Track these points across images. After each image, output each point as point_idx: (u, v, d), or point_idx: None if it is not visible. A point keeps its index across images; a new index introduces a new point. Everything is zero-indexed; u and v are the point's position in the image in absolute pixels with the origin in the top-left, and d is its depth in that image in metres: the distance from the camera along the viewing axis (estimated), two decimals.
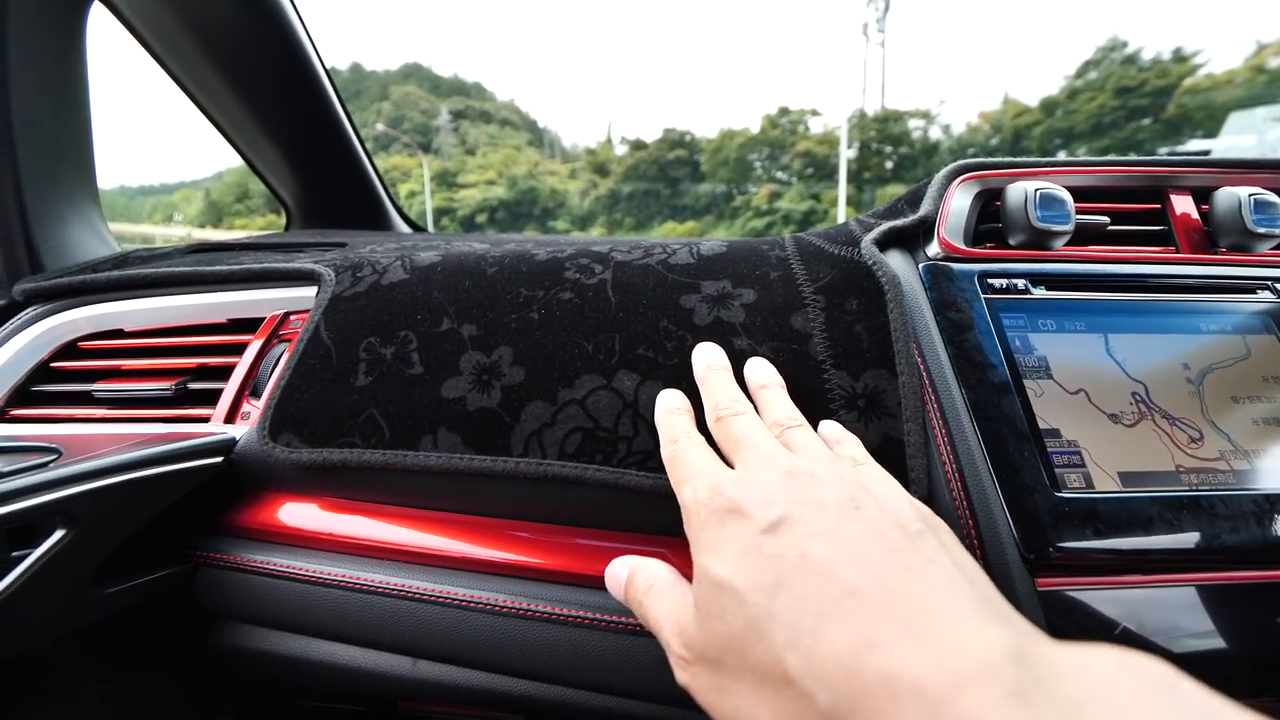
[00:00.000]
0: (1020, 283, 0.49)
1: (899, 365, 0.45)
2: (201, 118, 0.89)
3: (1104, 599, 0.38)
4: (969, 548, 0.39)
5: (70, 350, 0.56)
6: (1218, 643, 0.38)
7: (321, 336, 0.50)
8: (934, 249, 0.51)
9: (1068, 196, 0.50)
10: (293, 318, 0.56)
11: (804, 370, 0.46)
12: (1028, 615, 0.37)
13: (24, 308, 0.56)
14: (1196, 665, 0.37)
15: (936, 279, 0.49)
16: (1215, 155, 0.57)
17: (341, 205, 1.06)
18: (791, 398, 0.45)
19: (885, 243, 0.53)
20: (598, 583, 0.44)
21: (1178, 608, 0.38)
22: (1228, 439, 0.44)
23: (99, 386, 0.52)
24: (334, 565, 0.46)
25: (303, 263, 0.56)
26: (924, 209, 0.52)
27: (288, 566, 0.47)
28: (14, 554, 0.42)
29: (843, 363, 0.46)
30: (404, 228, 1.18)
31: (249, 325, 0.55)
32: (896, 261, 0.51)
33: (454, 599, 0.45)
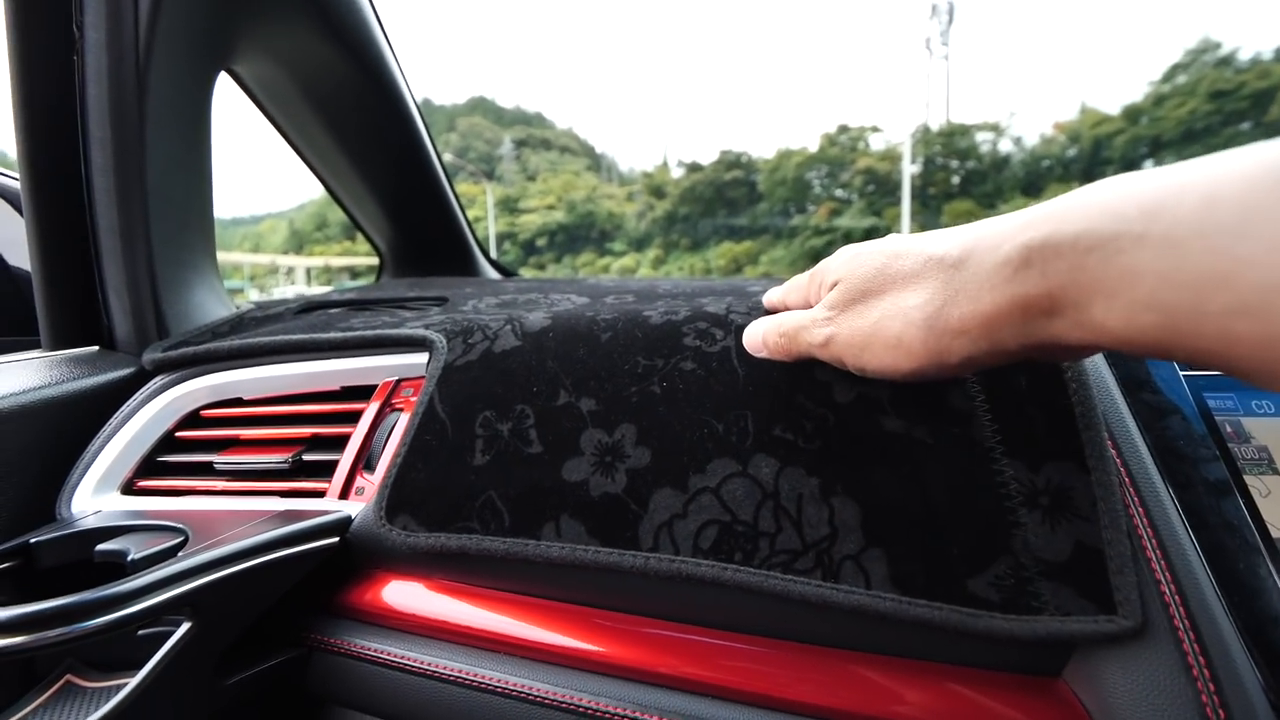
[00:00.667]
0: None
1: (1089, 457, 0.38)
2: (286, 152, 0.92)
3: None
4: (1203, 694, 0.32)
5: (193, 419, 0.56)
6: None
7: (436, 410, 0.49)
8: None
9: None
10: (404, 385, 0.54)
11: (969, 458, 0.40)
12: None
13: (152, 377, 0.57)
14: None
15: (1123, 355, 0.43)
16: None
17: (433, 253, 1.08)
18: (959, 490, 0.39)
19: None
20: (737, 695, 0.40)
21: None
22: None
23: (219, 458, 0.52)
24: (449, 658, 0.44)
25: (414, 328, 0.55)
26: None
27: (400, 656, 0.44)
28: (140, 633, 0.41)
29: (1017, 451, 0.40)
30: (491, 271, 1.18)
31: (362, 392, 0.55)
32: None
33: (576, 705, 0.41)
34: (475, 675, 0.43)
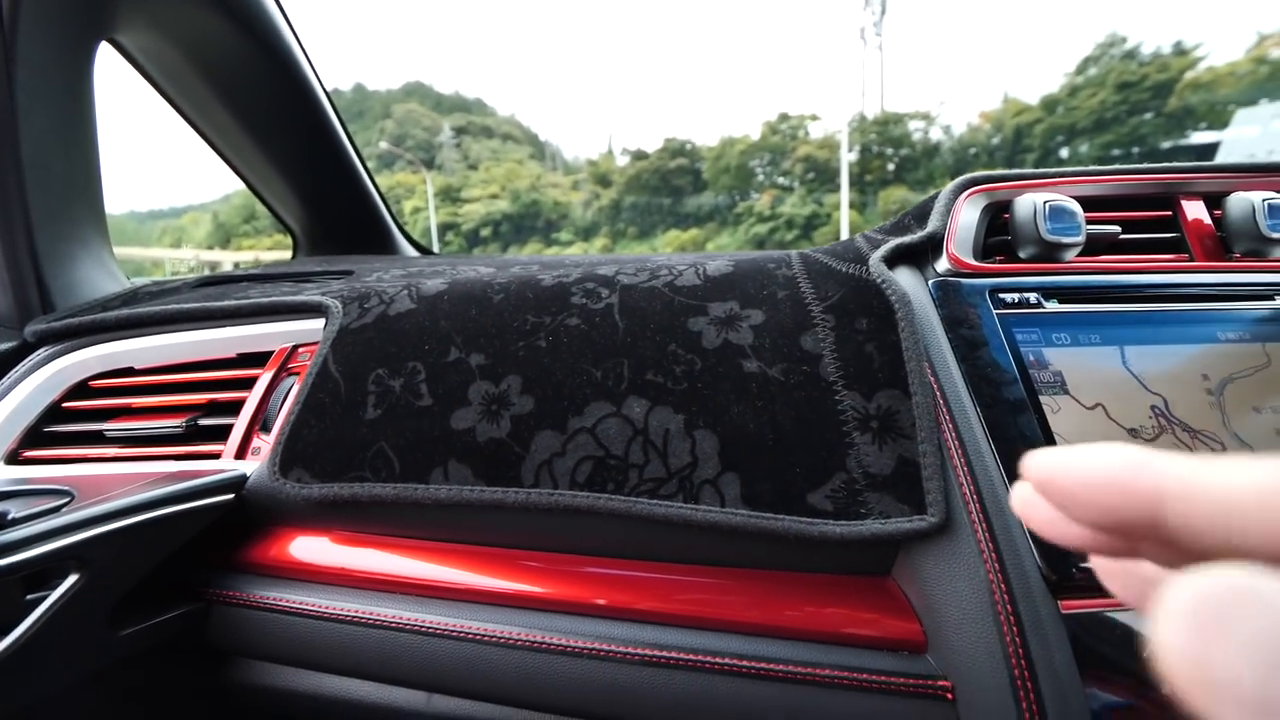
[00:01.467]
0: (1032, 296, 0.49)
1: (912, 385, 0.44)
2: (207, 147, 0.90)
3: (1129, 620, 0.37)
4: (990, 572, 0.38)
5: (81, 390, 0.56)
6: None
7: (330, 370, 0.50)
8: (943, 265, 0.50)
9: (1077, 208, 0.50)
10: (301, 350, 0.56)
11: (816, 391, 0.45)
12: (1053, 639, 0.36)
13: (35, 349, 0.56)
14: None
15: (947, 295, 0.48)
16: (1222, 158, 0.56)
17: (348, 231, 1.07)
18: (804, 420, 0.44)
19: (893, 260, 0.52)
20: (612, 613, 0.44)
21: None
22: (1251, 450, 0.43)
23: (110, 426, 0.52)
24: (346, 600, 0.46)
25: (310, 295, 0.56)
26: (932, 224, 0.52)
27: (300, 603, 0.46)
28: (28, 598, 0.42)
29: (855, 384, 0.45)
30: (410, 250, 1.18)
31: (258, 359, 0.55)
32: (905, 278, 0.51)
33: (469, 633, 0.44)
34: (371, 614, 0.45)
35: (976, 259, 0.51)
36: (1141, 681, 0.36)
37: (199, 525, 0.46)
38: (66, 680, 0.41)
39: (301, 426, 0.48)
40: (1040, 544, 0.38)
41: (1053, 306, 0.49)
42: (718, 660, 0.41)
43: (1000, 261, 0.52)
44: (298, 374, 0.54)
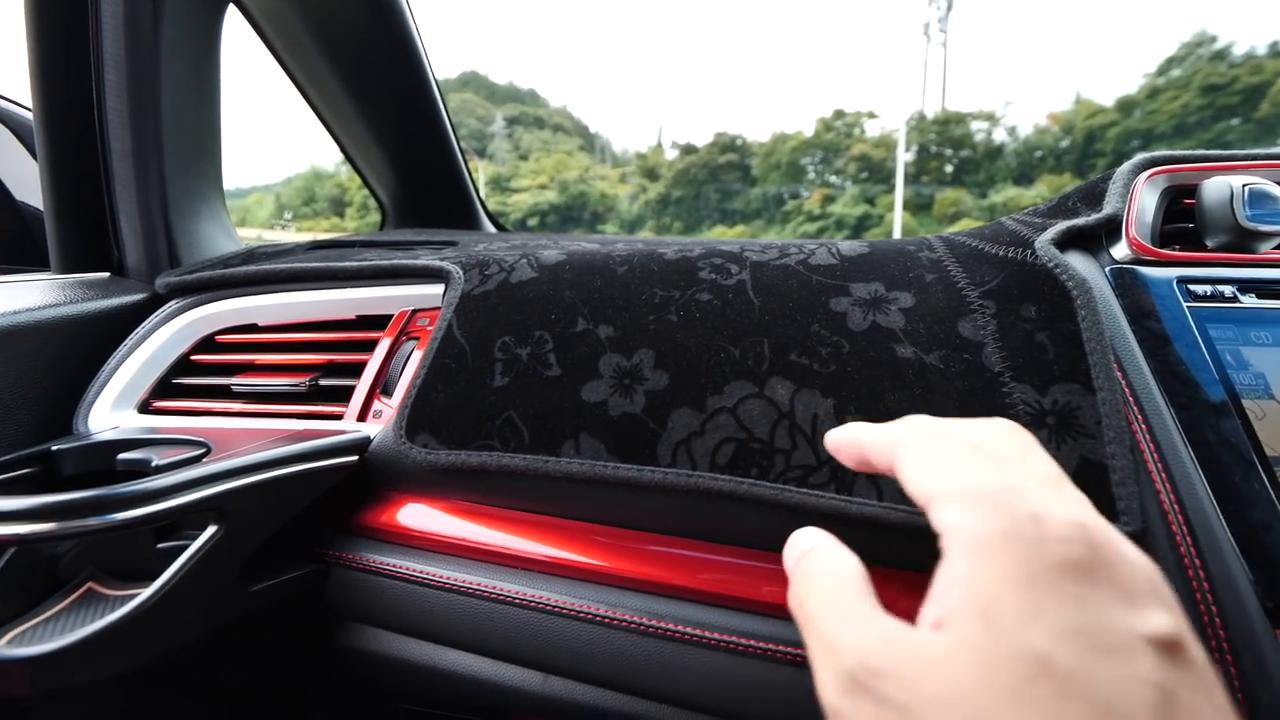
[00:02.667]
0: (1227, 289, 0.44)
1: (1096, 379, 0.40)
2: (272, 124, 0.91)
3: None
4: (1198, 594, 0.34)
5: (208, 344, 0.56)
6: None
7: (455, 335, 0.49)
8: (1122, 250, 0.46)
9: None
10: (420, 315, 0.55)
11: (980, 382, 0.41)
12: (1274, 672, 0.32)
13: (165, 301, 0.57)
14: None
15: (1128, 284, 0.44)
16: None
17: (435, 204, 1.07)
18: (969, 411, 0.40)
19: (1063, 244, 0.48)
20: (751, 606, 0.41)
21: None
22: None
23: (237, 381, 0.53)
24: (468, 573, 0.45)
25: (430, 259, 0.55)
26: (1110, 206, 0.47)
27: (420, 571, 0.45)
28: (159, 547, 0.42)
29: (1025, 375, 0.41)
30: (491, 228, 1.18)
31: (377, 322, 0.55)
32: (1078, 264, 0.46)
33: (594, 615, 0.42)
34: (493, 588, 0.44)
35: (1156, 246, 0.47)
36: None
37: (327, 484, 0.45)
38: (200, 631, 0.41)
39: (428, 390, 0.47)
40: (1257, 564, 0.34)
41: (1250, 301, 0.43)
42: None
43: (1179, 250, 0.47)
44: (418, 338, 0.54)
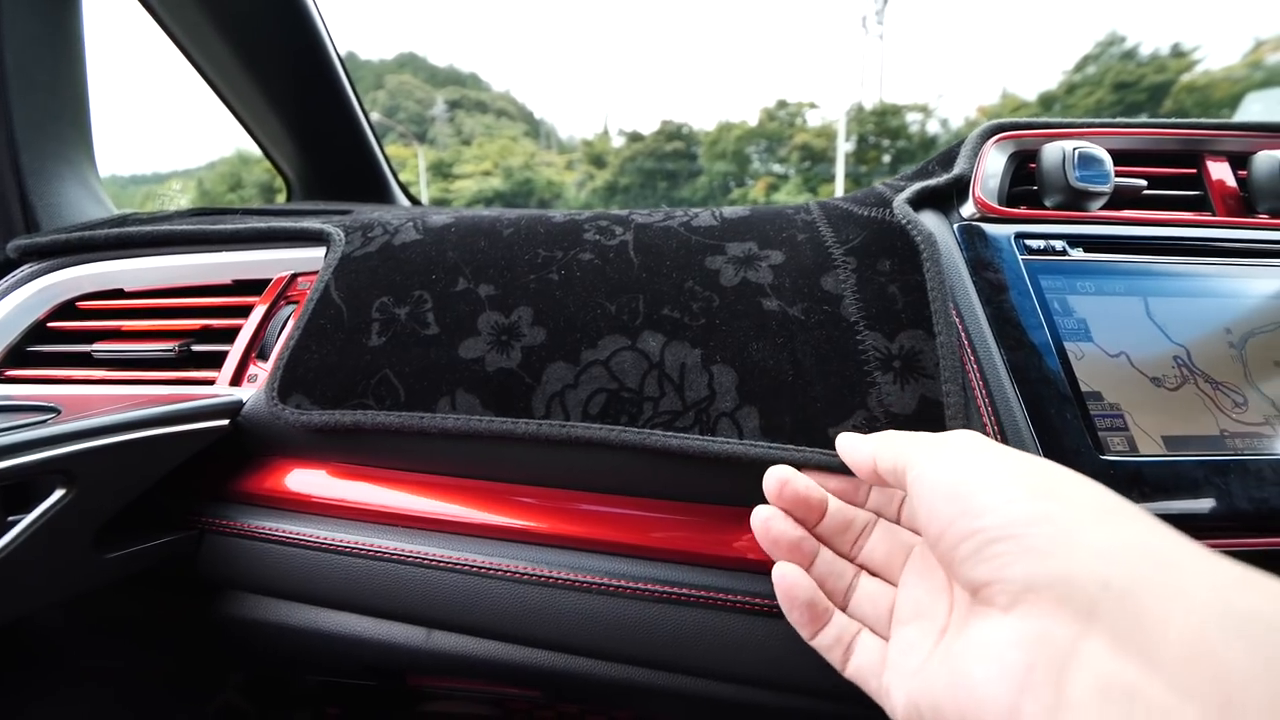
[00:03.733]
0: (1058, 244, 0.48)
1: (936, 325, 0.43)
2: (195, 106, 0.86)
3: None
4: None
5: (68, 310, 0.53)
6: None
7: (332, 296, 0.48)
8: (969, 209, 0.49)
9: (1107, 156, 0.49)
10: (300, 280, 0.54)
11: (837, 331, 0.44)
12: None
13: (18, 265, 0.53)
14: None
15: (972, 239, 0.47)
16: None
17: (344, 180, 1.04)
18: (825, 357, 0.43)
19: (917, 203, 0.51)
20: (620, 549, 0.43)
21: None
22: (1273, 404, 0.42)
23: (98, 347, 0.50)
24: (345, 532, 0.45)
25: (310, 223, 0.54)
26: (958, 168, 0.50)
27: (297, 533, 0.45)
28: (9, 518, 0.40)
29: (877, 324, 0.44)
30: (405, 202, 1.15)
31: (255, 287, 0.53)
32: (930, 222, 0.50)
33: (472, 566, 0.43)
34: (371, 546, 0.44)
35: (1001, 205, 0.50)
36: None
37: (192, 449, 0.44)
38: (49, 598, 0.39)
39: (302, 351, 0.46)
40: None
41: (1078, 255, 0.48)
42: (727, 597, 0.40)
43: (1024, 209, 0.51)
44: (296, 303, 0.52)
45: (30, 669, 0.52)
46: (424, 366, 0.45)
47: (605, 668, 0.45)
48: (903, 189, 0.53)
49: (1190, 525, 0.37)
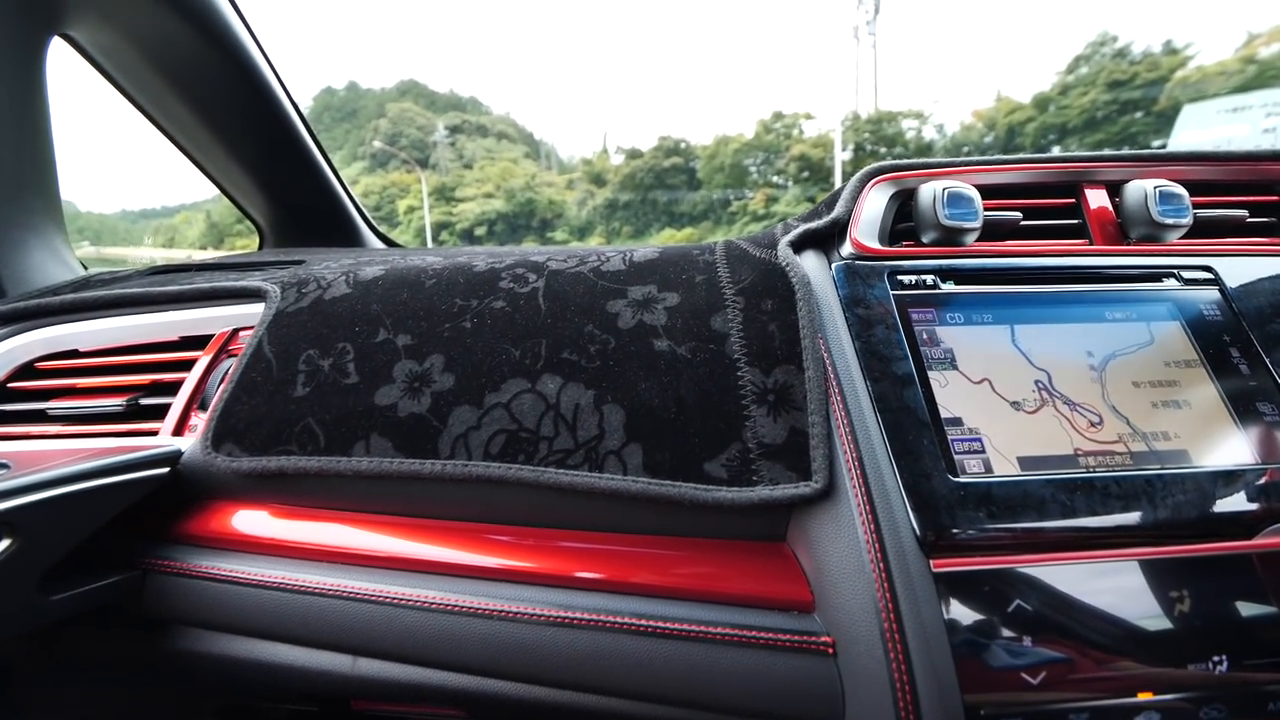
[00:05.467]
0: (929, 278, 0.51)
1: (805, 361, 0.47)
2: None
3: (998, 577, 0.40)
4: (866, 534, 0.41)
5: (28, 370, 0.58)
6: (1108, 618, 0.39)
7: (264, 350, 0.53)
8: (847, 249, 0.53)
9: (975, 194, 0.52)
10: (242, 333, 0.58)
11: (720, 368, 0.48)
12: (921, 595, 0.39)
13: None
14: (1084, 640, 0.38)
15: (848, 277, 0.51)
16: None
17: (313, 224, 1.09)
18: (707, 394, 0.47)
19: (802, 244, 0.55)
20: (522, 577, 0.46)
21: (1070, 585, 0.40)
22: (1126, 422, 0.46)
23: (52, 405, 0.54)
24: (272, 568, 0.48)
25: (251, 281, 0.58)
26: (836, 211, 0.54)
27: (229, 571, 0.49)
28: None
29: (756, 360, 0.48)
30: (376, 243, 1.20)
31: (199, 342, 0.58)
32: (811, 262, 0.53)
33: (385, 597, 0.46)
34: (295, 581, 0.48)
35: (883, 244, 0.54)
36: (1005, 632, 0.39)
37: (133, 497, 0.48)
38: None
39: (234, 403, 0.50)
40: (917, 507, 0.41)
41: (949, 288, 0.51)
42: (619, 620, 0.43)
43: (907, 246, 0.54)
44: (237, 356, 0.57)
45: (3, 703, 0.56)
46: (342, 414, 0.49)
47: (517, 688, 0.48)
48: (795, 228, 0.57)
49: (1036, 541, 0.40)
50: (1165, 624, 0.39)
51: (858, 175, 0.56)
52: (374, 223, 1.18)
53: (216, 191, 1.02)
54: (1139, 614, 0.39)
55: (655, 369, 0.48)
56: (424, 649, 0.46)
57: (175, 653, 0.53)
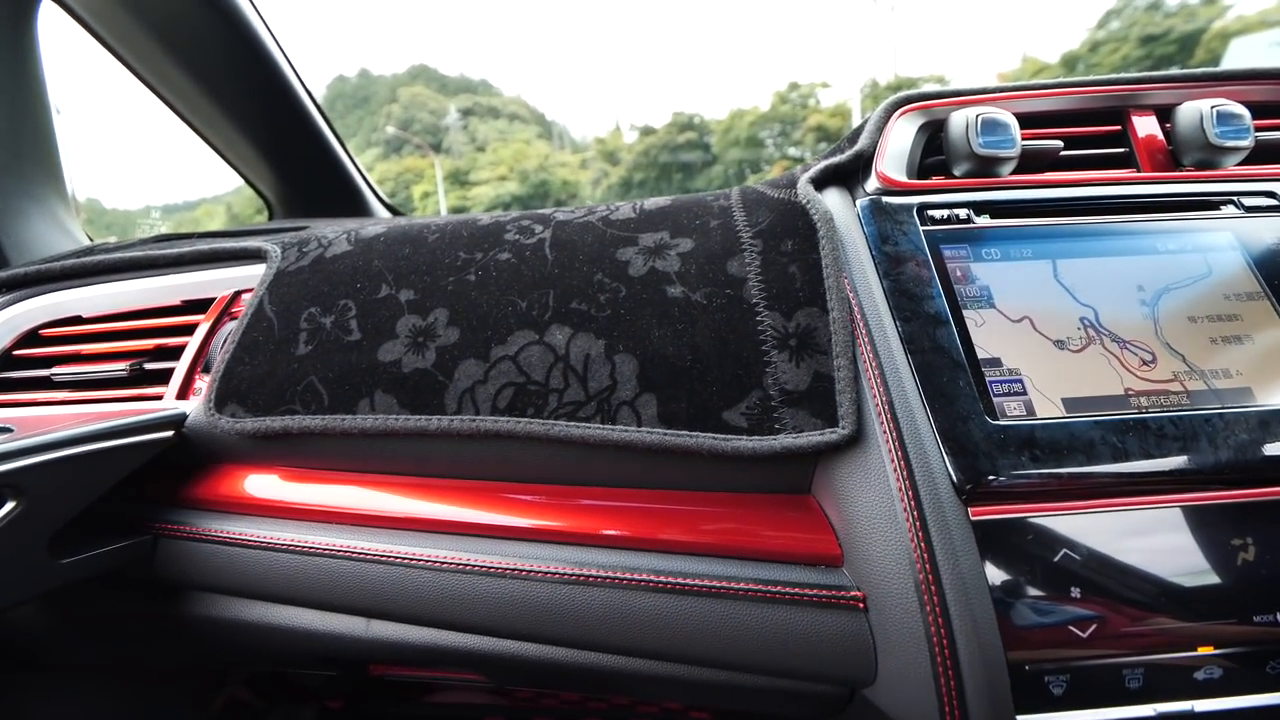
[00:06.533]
0: (963, 212, 0.48)
1: (829, 301, 0.44)
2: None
3: (1042, 526, 0.37)
4: (899, 482, 0.38)
5: (33, 339, 0.57)
6: (1164, 569, 0.36)
7: (265, 310, 0.51)
8: (872, 184, 0.49)
9: (1012, 120, 0.48)
10: (244, 296, 0.56)
11: (738, 314, 0.45)
12: (959, 545, 0.36)
13: None
14: (1137, 592, 0.35)
15: (874, 214, 0.48)
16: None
17: (321, 196, 1.07)
18: (724, 340, 0.44)
19: (823, 181, 0.51)
20: (536, 535, 0.44)
21: (1121, 533, 0.37)
22: (1183, 359, 0.42)
23: (57, 371, 0.54)
24: (282, 530, 0.47)
25: (251, 241, 0.57)
26: (860, 144, 0.51)
27: (240, 534, 0.48)
28: None
29: (776, 304, 0.45)
30: (383, 212, 1.18)
31: (202, 306, 0.56)
32: (833, 199, 0.50)
33: (400, 558, 0.45)
34: (305, 543, 0.47)
35: (911, 177, 0.50)
36: (1051, 584, 0.36)
37: (138, 460, 0.47)
38: (8, 600, 0.42)
39: (236, 364, 0.49)
40: (953, 452, 0.38)
41: (984, 221, 0.48)
42: (636, 576, 0.41)
43: (938, 180, 0.50)
44: (239, 318, 0.55)
45: (24, 671, 0.56)
46: (345, 371, 0.47)
47: (532, 649, 0.46)
48: (816, 165, 0.54)
49: (1083, 487, 0.37)
50: (1226, 574, 0.36)
51: (882, 105, 0.52)
52: (383, 195, 1.16)
53: (236, 185, 1.01)
54: (1197, 564, 0.36)
55: (669, 317, 0.45)
56: (436, 609, 0.45)
57: (192, 618, 0.52)
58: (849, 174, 0.51)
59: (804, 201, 0.48)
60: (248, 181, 1.04)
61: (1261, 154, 0.50)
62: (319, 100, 0.98)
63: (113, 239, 0.70)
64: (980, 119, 0.48)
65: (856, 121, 0.55)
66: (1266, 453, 0.38)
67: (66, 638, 0.56)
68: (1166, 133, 0.52)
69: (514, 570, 0.43)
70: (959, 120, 0.49)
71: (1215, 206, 0.48)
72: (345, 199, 1.10)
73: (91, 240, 0.73)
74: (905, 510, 0.37)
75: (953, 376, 0.40)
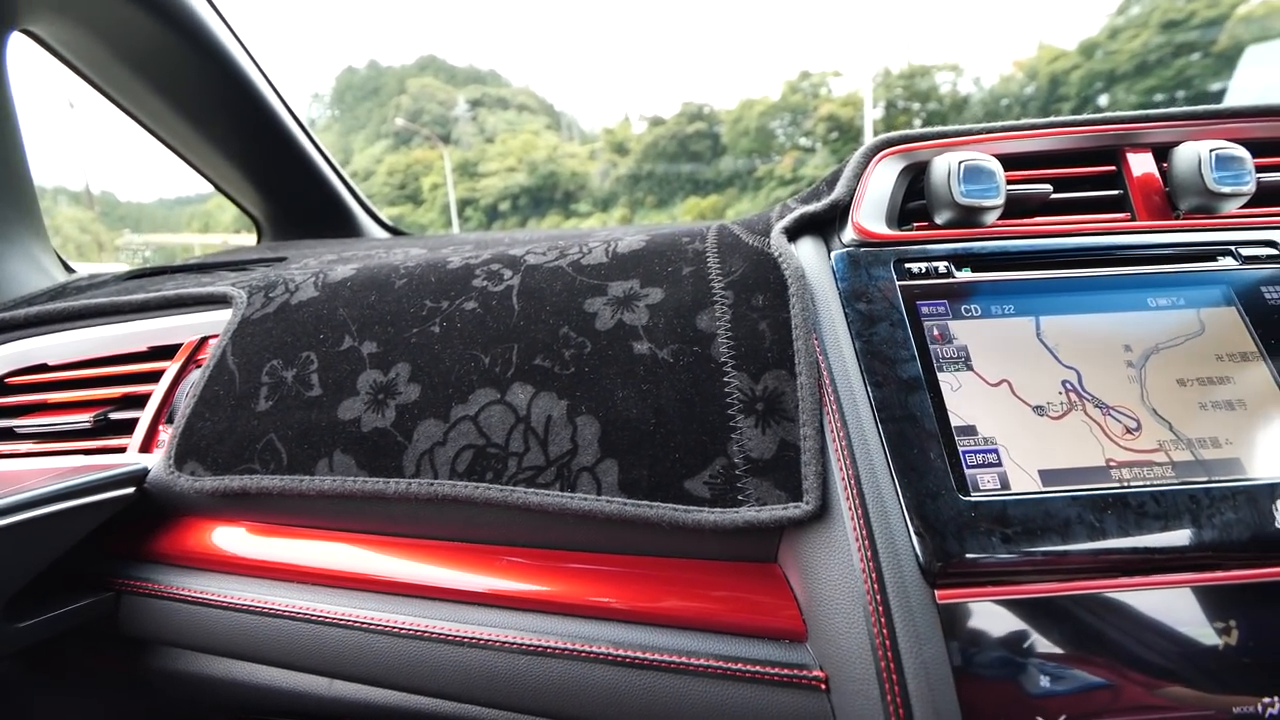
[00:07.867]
0: (942, 265, 0.46)
1: (798, 365, 0.42)
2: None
3: (1011, 610, 0.35)
4: (861, 564, 0.36)
5: None
6: (1140, 655, 0.34)
7: (227, 362, 0.50)
8: (848, 235, 0.48)
9: (996, 166, 0.46)
10: (210, 341, 0.56)
11: (704, 373, 0.43)
12: (923, 630, 0.35)
13: None
14: (1111, 681, 0.34)
15: (849, 267, 0.46)
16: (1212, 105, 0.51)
17: (309, 216, 1.06)
18: (689, 403, 0.42)
19: (798, 230, 0.49)
20: (494, 600, 0.43)
21: (1095, 617, 0.35)
22: (1169, 427, 0.40)
23: (21, 422, 0.53)
24: (243, 589, 0.47)
25: (218, 286, 0.56)
26: (836, 192, 0.49)
27: (199, 592, 0.47)
28: None
29: (745, 364, 0.43)
30: (378, 231, 1.17)
31: (169, 352, 0.55)
32: (807, 250, 0.48)
33: (359, 622, 0.44)
34: (266, 604, 0.46)
35: (891, 225, 0.48)
36: (1019, 672, 0.34)
37: (97, 519, 0.47)
38: None
39: (196, 419, 0.48)
40: (921, 531, 0.36)
41: (964, 276, 0.46)
42: (595, 650, 0.40)
43: (920, 228, 0.48)
44: (204, 365, 0.54)
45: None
46: (305, 429, 0.46)
47: (497, 715, 0.46)
48: (792, 210, 0.52)
49: (1057, 568, 0.36)
50: (1207, 661, 0.35)
51: (862, 149, 0.50)
52: (374, 209, 1.15)
53: None
54: (1176, 650, 0.35)
55: (634, 375, 0.44)
56: (396, 675, 0.44)
57: (156, 671, 0.52)
58: (825, 222, 0.50)
59: (776, 254, 0.46)
60: (235, 203, 1.03)
61: (1263, 198, 0.48)
62: (327, 93, 0.98)
63: (86, 274, 0.69)
64: (963, 166, 0.46)
65: (869, 109, 0.53)
66: (1255, 531, 0.36)
67: (30, 685, 0.56)
68: (1163, 172, 0.50)
69: (472, 639, 0.42)
70: (940, 167, 0.47)
71: (1212, 258, 0.46)
72: (334, 218, 1.09)
73: (72, 271, 0.72)
74: (868, 591, 0.36)
75: (924, 448, 0.39)
